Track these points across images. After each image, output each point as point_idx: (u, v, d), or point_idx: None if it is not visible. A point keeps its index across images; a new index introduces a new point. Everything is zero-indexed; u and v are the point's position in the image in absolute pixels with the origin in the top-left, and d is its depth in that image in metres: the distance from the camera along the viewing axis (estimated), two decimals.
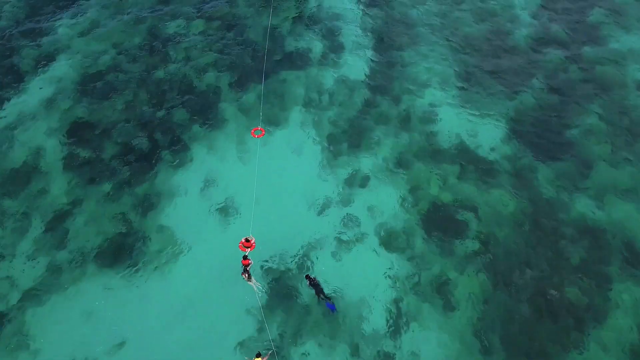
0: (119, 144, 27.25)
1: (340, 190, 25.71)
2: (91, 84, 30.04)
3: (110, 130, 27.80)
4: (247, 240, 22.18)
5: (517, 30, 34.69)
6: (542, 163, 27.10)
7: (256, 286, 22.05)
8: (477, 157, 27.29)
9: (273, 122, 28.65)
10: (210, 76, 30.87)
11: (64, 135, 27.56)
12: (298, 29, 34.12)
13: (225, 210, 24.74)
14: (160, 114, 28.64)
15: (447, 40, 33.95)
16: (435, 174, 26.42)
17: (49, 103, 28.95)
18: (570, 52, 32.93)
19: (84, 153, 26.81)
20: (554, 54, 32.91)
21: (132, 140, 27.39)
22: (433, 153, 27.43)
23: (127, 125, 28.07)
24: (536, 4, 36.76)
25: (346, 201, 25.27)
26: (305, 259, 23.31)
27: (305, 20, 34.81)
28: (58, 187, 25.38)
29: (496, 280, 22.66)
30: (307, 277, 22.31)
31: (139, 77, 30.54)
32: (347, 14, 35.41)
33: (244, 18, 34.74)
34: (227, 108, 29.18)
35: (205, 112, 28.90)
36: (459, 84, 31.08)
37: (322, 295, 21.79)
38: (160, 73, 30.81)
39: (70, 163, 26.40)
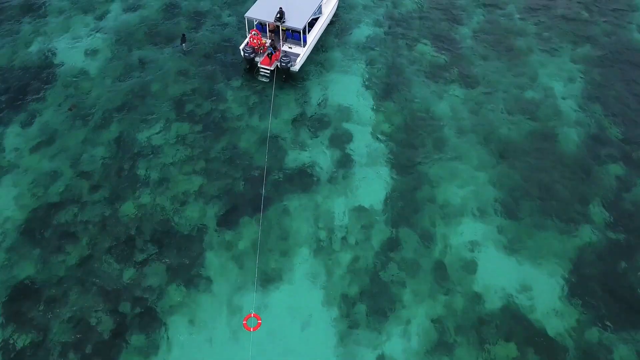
0: (71, 322, 20.83)
1: None
2: (40, 228, 23.61)
3: (60, 300, 21.40)
4: None
5: (563, 129, 28.83)
6: (615, 335, 21.26)
7: None
8: (533, 329, 21.36)
9: (272, 277, 22.49)
10: (192, 210, 24.59)
11: None
12: (300, 136, 27.91)
13: None
14: (128, 274, 22.26)
15: (481, 145, 27.99)
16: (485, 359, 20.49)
17: None
18: (632, 161, 27.14)
19: (25, 338, 20.39)
20: (612, 165, 27.09)
21: (89, 317, 21.02)
22: (478, 324, 21.44)
23: (83, 293, 21.69)
24: (580, 91, 30.99)
25: None
26: None
27: (308, 123, 28.60)
28: None
29: None
30: None
31: (101, 214, 24.17)
32: (358, 112, 29.24)
33: (235, 119, 28.48)
34: (214, 259, 22.93)
35: (186, 268, 22.61)
36: (501, 212, 25.11)
37: None
38: (128, 207, 24.46)
39: (5, 354, 20.02)
